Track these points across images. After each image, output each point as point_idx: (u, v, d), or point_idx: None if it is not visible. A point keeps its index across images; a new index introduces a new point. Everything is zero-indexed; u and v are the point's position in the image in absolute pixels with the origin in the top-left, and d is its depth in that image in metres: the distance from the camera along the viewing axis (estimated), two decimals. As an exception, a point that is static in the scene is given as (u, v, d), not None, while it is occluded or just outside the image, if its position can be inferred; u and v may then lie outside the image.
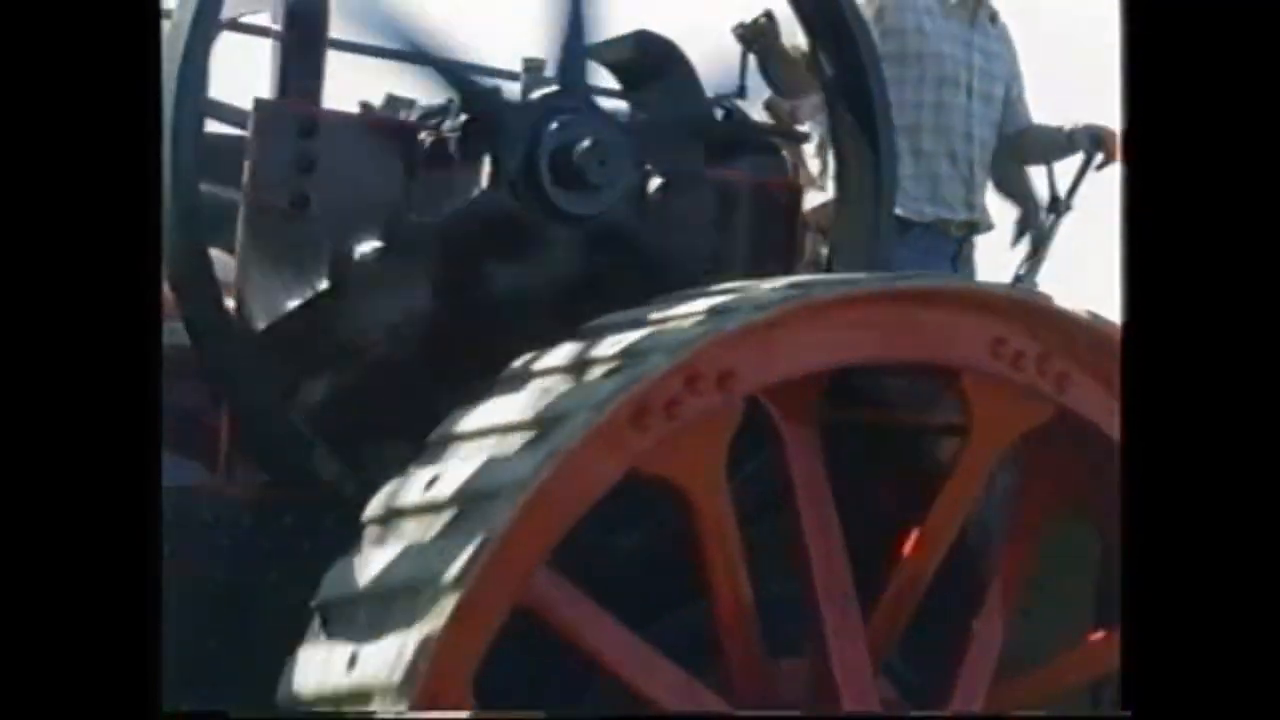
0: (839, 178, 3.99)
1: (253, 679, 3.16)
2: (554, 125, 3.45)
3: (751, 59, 4.57)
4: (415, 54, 3.54)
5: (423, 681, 2.84)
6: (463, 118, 3.43)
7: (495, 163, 3.42)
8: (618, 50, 3.93)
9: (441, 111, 3.52)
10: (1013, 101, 5.47)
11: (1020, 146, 5.20)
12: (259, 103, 3.61)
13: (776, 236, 3.97)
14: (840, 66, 3.94)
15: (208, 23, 3.27)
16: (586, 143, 3.42)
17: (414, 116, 3.68)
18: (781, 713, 3.35)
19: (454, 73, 3.57)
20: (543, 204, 3.48)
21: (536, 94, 3.52)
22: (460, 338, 3.48)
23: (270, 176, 3.51)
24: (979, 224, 4.83)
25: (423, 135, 3.51)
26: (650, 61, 3.90)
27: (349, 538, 3.20)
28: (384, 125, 3.77)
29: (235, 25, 3.92)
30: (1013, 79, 5.42)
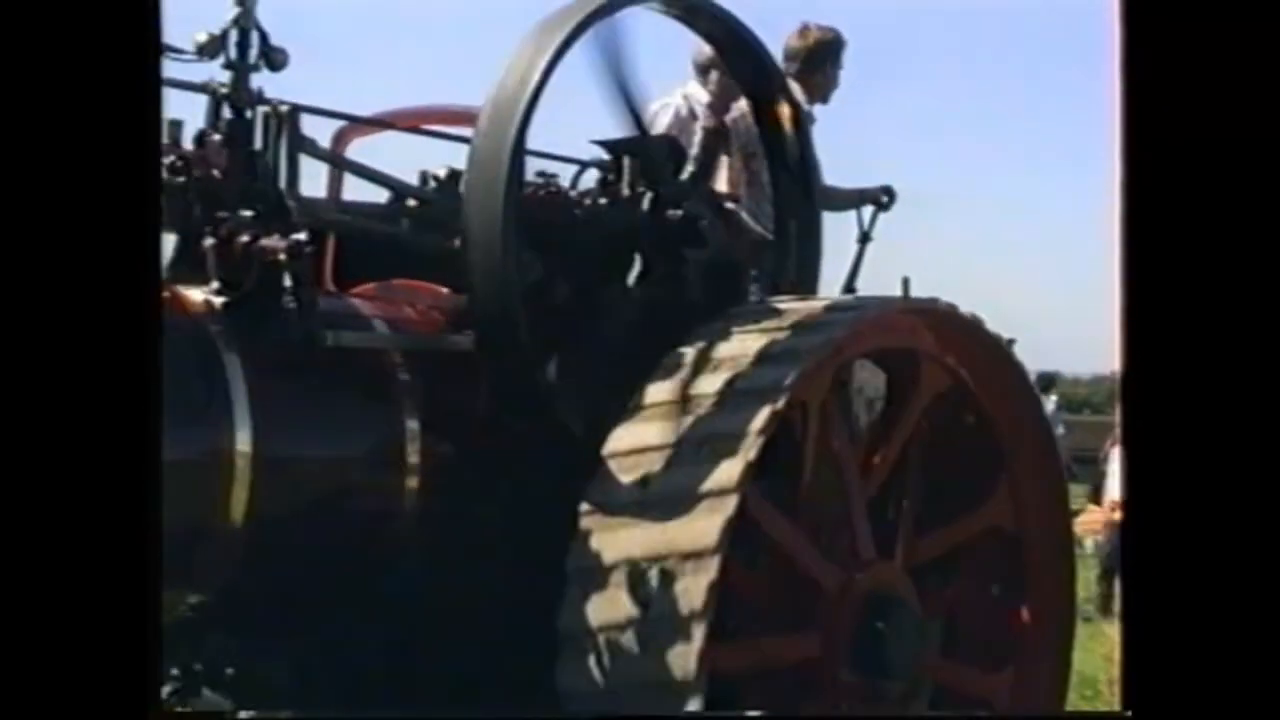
0: (778, 221, 5.17)
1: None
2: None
3: None
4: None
5: (719, 551, 3.88)
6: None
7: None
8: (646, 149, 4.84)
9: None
10: None
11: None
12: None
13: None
14: (780, 140, 5.10)
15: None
16: (705, 221, 4.68)
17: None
18: (783, 714, 4.28)
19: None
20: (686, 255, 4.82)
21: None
22: (651, 330, 4.53)
23: None
24: None
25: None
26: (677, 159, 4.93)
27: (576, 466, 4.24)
28: None
29: None
30: None
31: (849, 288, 6.13)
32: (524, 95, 4.14)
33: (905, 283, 5.25)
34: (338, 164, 4.65)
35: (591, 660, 3.93)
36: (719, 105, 6.39)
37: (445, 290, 4.58)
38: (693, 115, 6.35)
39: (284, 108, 4.06)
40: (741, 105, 5.97)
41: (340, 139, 4.98)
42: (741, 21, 4.81)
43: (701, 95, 6.53)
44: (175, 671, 4.43)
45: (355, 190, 4.83)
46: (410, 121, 5.04)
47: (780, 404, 4.09)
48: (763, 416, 4.05)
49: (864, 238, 6.33)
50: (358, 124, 4.91)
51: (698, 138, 5.34)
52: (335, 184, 4.89)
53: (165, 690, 4.49)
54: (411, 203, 4.63)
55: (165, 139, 3.85)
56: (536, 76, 4.15)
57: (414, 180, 4.74)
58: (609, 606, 3.96)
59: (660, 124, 6.22)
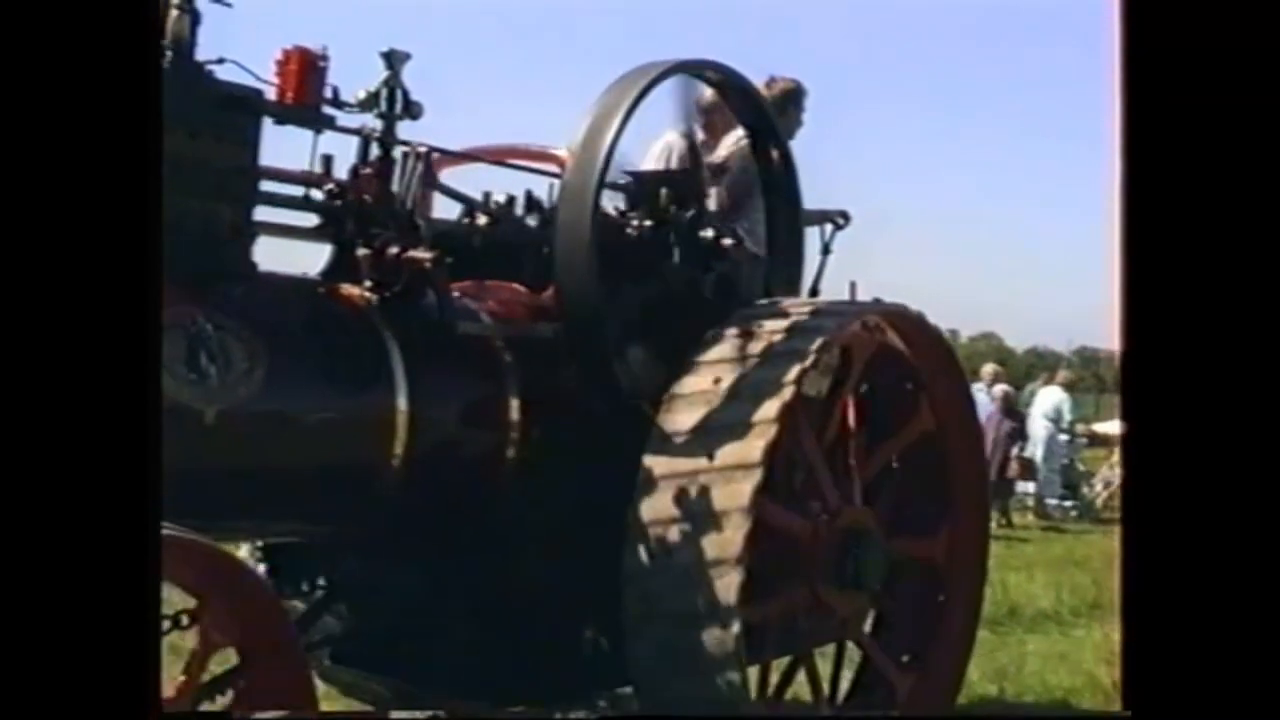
0: (770, 239, 6.31)
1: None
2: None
3: None
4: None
5: (763, 465, 5.01)
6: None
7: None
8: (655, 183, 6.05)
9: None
10: None
11: None
12: None
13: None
14: (772, 167, 6.24)
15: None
16: (726, 240, 5.88)
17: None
18: (787, 714, 5.65)
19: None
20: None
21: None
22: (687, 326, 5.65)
23: None
24: None
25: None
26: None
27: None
28: None
29: None
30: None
31: (814, 290, 6.85)
32: (603, 145, 5.26)
33: (853, 286, 6.70)
34: (450, 193, 5.65)
35: (642, 548, 5.07)
36: (710, 145, 7.44)
37: (521, 288, 5.79)
38: (688, 151, 7.03)
39: (421, 149, 5.20)
40: (729, 144, 7.30)
41: (434, 166, 5.73)
42: (751, 82, 6.18)
43: (697, 134, 7.25)
44: (306, 586, 5.69)
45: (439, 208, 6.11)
46: (492, 156, 6.06)
47: (809, 362, 5.38)
48: (796, 370, 5.30)
49: (825, 249, 7.25)
50: (455, 157, 5.84)
51: (705, 174, 6.66)
52: (425, 203, 5.70)
53: (300, 605, 5.62)
54: (481, 220, 5.73)
55: (318, 170, 5.07)
56: (611, 132, 5.27)
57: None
58: (658, 506, 5.10)
59: (662, 159, 7.23)
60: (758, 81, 6.90)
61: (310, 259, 5.21)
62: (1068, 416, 21.68)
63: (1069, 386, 22.33)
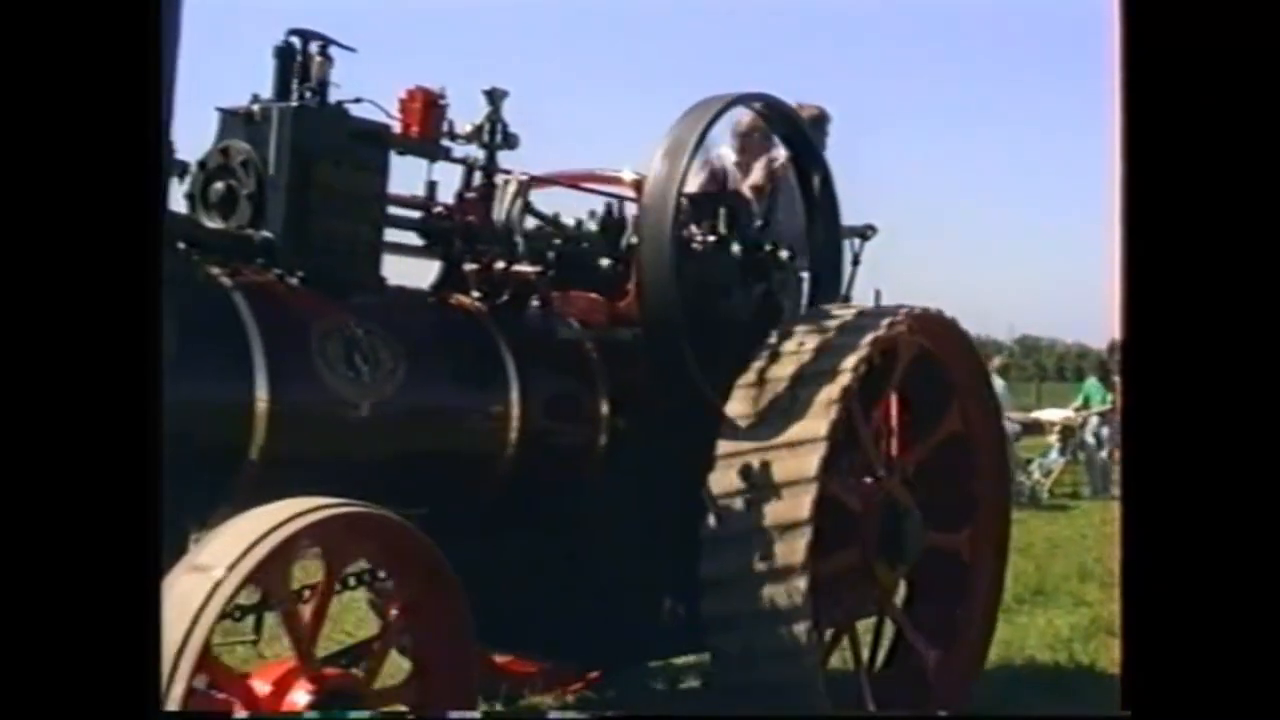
0: (812, 253, 6.82)
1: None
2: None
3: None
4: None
5: (830, 439, 5.64)
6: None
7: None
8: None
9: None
10: None
11: None
12: None
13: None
14: (812, 189, 6.78)
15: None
16: (782, 253, 6.58)
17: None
18: (790, 714, 5.54)
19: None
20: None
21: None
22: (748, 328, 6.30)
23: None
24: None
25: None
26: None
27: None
28: None
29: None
30: None
31: (845, 296, 7.39)
32: (677, 175, 5.89)
33: (877, 294, 7.16)
34: (536, 214, 6.07)
35: (714, 518, 5.64)
36: (745, 165, 7.90)
37: (599, 297, 6.25)
38: (724, 172, 7.75)
39: (522, 176, 5.75)
40: (762, 166, 7.77)
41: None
42: (795, 112, 6.84)
43: (730, 156, 7.91)
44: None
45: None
46: (573, 181, 6.57)
47: (865, 351, 5.90)
48: (854, 357, 5.87)
49: (855, 260, 7.86)
50: (543, 182, 6.20)
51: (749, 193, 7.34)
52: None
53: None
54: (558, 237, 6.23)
55: (423, 195, 5.63)
56: (684, 163, 5.92)
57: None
58: (729, 480, 5.67)
59: (701, 179, 7.62)
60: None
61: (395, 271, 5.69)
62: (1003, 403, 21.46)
63: (1002, 372, 21.44)
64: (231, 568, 3.68)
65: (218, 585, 3.61)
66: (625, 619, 5.97)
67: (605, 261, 6.30)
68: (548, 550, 5.79)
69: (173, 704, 3.28)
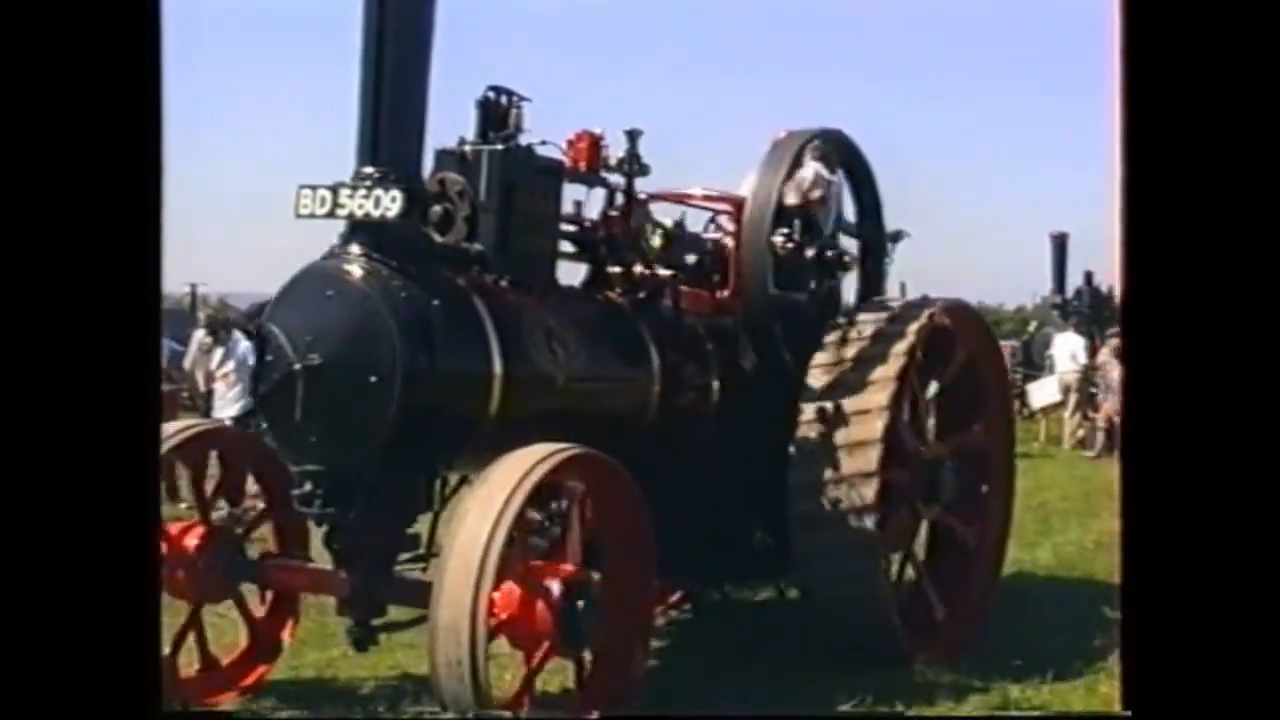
0: (862, 257, 8.26)
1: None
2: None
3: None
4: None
5: (890, 407, 7.04)
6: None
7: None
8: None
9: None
10: None
11: None
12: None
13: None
14: (862, 202, 8.27)
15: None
16: (847, 257, 8.11)
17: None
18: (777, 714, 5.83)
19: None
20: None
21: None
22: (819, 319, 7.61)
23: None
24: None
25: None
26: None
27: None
28: None
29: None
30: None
31: (880, 290, 8.10)
32: (772, 194, 7.38)
33: (902, 287, 8.27)
34: (655, 224, 7.51)
35: (800, 470, 7.00)
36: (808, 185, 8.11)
37: (704, 292, 7.36)
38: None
39: (642, 195, 6.84)
40: (798, 180, 8.21)
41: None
42: (853, 141, 8.21)
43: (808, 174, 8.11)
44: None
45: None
46: (688, 199, 7.99)
47: (920, 334, 6.91)
48: (905, 344, 7.02)
49: (889, 259, 8.68)
50: (664, 199, 7.58)
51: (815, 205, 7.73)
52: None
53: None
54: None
55: (569, 211, 6.63)
56: (777, 185, 7.40)
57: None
58: (812, 440, 7.10)
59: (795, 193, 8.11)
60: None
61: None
62: None
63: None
64: (516, 488, 5.13)
65: (509, 498, 5.11)
66: (726, 545, 7.05)
67: (709, 263, 7.25)
68: (673, 493, 6.63)
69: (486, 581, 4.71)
